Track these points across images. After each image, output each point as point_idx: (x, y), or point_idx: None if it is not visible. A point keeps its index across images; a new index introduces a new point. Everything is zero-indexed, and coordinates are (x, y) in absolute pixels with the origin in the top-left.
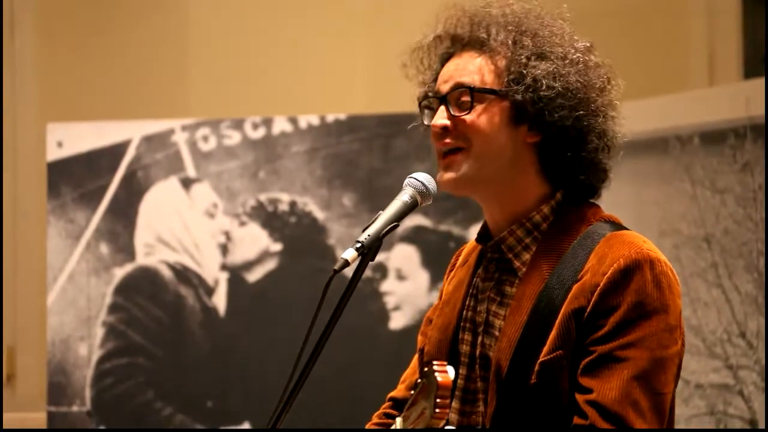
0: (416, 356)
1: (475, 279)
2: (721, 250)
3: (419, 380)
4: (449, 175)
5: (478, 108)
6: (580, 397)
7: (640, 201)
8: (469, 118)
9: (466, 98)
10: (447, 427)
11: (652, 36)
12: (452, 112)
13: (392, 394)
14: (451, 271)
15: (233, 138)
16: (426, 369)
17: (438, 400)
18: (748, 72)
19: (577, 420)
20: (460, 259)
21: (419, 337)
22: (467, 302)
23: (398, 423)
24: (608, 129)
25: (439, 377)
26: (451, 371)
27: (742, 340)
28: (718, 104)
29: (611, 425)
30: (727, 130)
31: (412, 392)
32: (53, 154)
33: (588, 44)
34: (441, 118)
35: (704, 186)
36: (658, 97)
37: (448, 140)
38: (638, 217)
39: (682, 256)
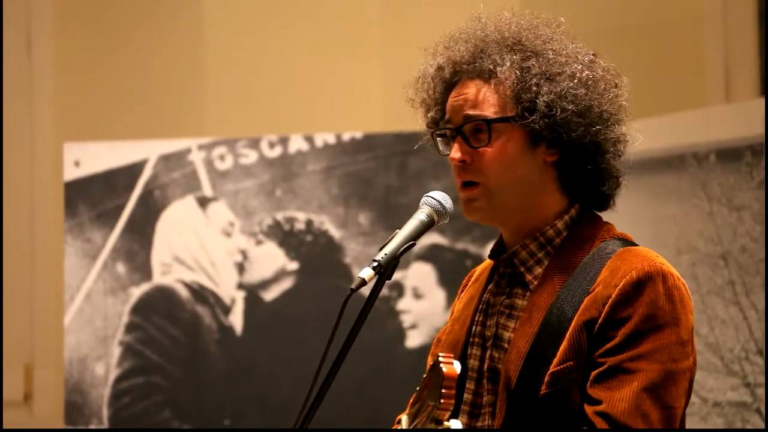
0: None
1: (485, 295)
2: (739, 268)
3: (424, 376)
4: (472, 209)
5: (496, 140)
6: (589, 409)
7: (657, 218)
8: (488, 151)
9: (482, 129)
10: (452, 427)
11: (668, 53)
12: (470, 145)
13: (402, 415)
14: (462, 291)
15: (250, 157)
16: (432, 363)
17: (443, 390)
18: (764, 89)
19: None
20: (473, 278)
21: (429, 359)
22: (476, 318)
23: (404, 421)
24: (620, 135)
25: (444, 368)
26: (457, 364)
27: (760, 358)
28: (735, 121)
29: None
30: (744, 147)
31: (417, 389)
32: (70, 173)
33: (592, 55)
34: (458, 151)
35: (721, 203)
36: (675, 115)
37: (467, 175)
38: (655, 235)
39: (699, 274)
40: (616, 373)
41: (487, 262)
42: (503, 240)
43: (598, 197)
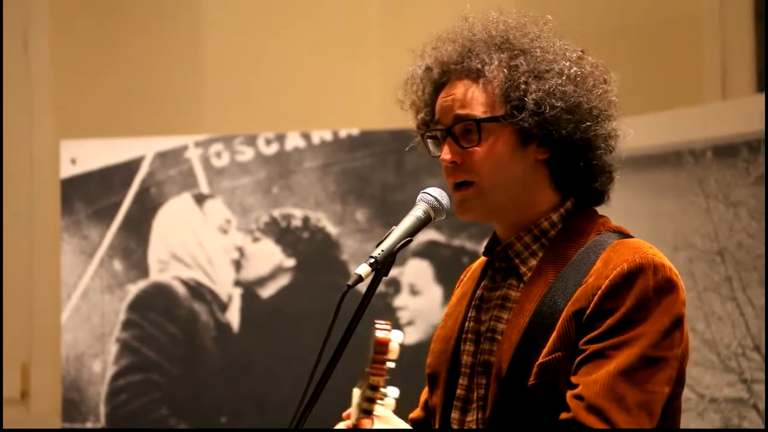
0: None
1: (478, 291)
2: (735, 264)
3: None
4: (465, 209)
5: (486, 140)
6: (568, 393)
7: (654, 215)
8: (479, 151)
9: (472, 129)
10: (389, 395)
11: (666, 50)
12: (460, 145)
13: (411, 415)
14: (456, 288)
15: (246, 154)
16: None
17: (376, 356)
18: (761, 85)
19: (563, 415)
20: (468, 275)
21: (429, 357)
22: (469, 313)
23: (354, 394)
24: (611, 130)
25: (379, 333)
26: (396, 333)
27: (757, 354)
28: (732, 118)
29: (594, 418)
30: (741, 143)
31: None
32: (67, 170)
33: (580, 52)
34: (449, 152)
35: (718, 200)
36: (672, 111)
37: (458, 175)
38: (652, 231)
39: (696, 270)
40: (595, 357)
41: (482, 260)
42: (497, 236)
43: (591, 193)
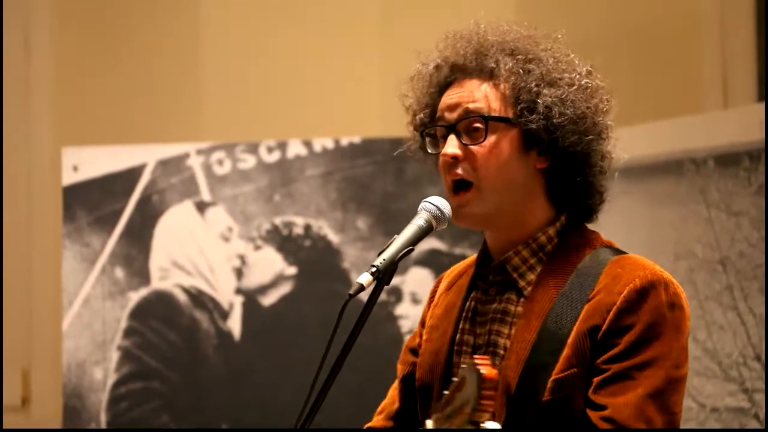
0: (394, 386)
1: (469, 303)
2: (736, 273)
3: (454, 379)
4: (463, 214)
5: (491, 138)
6: (593, 414)
7: (654, 223)
8: (482, 149)
9: (479, 126)
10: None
11: (666, 58)
12: (464, 141)
13: (369, 424)
14: (431, 298)
15: (248, 162)
16: (464, 366)
17: (483, 392)
18: (762, 94)
19: None
20: (443, 284)
21: (399, 366)
22: (461, 326)
23: (431, 426)
24: (607, 152)
25: (483, 369)
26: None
27: (758, 363)
28: (733, 126)
29: None
30: (742, 152)
31: (446, 392)
32: (69, 178)
33: (589, 68)
34: (452, 147)
35: (719, 209)
36: (672, 120)
37: (458, 171)
38: (653, 240)
39: (697, 279)
40: (621, 379)
41: (459, 268)
42: (488, 249)
43: (583, 209)
